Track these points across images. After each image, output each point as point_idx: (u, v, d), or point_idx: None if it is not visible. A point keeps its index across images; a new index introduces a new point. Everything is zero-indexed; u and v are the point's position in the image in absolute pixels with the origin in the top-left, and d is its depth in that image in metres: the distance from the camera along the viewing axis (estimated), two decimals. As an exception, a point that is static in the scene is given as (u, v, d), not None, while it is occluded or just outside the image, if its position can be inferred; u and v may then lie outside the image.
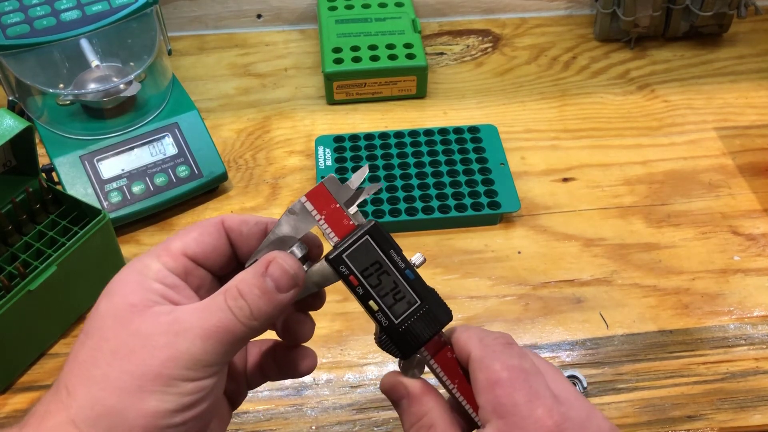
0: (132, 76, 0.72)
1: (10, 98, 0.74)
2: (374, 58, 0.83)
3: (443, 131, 0.78)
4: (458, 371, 0.39)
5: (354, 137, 0.77)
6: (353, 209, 0.39)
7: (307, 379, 0.59)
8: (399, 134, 0.78)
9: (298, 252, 0.38)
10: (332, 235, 0.39)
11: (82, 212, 0.64)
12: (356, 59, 0.83)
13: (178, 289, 0.36)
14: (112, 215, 0.68)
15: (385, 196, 0.71)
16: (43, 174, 0.66)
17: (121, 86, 0.71)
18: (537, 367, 0.38)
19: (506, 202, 0.70)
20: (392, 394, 0.40)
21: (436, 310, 0.39)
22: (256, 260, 0.37)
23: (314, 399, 0.58)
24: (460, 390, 0.39)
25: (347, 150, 0.76)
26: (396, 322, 0.39)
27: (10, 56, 0.69)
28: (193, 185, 0.72)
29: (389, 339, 0.39)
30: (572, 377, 0.58)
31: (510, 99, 0.85)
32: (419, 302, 0.39)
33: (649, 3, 0.87)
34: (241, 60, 0.91)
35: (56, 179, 0.69)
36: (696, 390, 0.58)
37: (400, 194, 0.71)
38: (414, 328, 0.39)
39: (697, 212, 0.72)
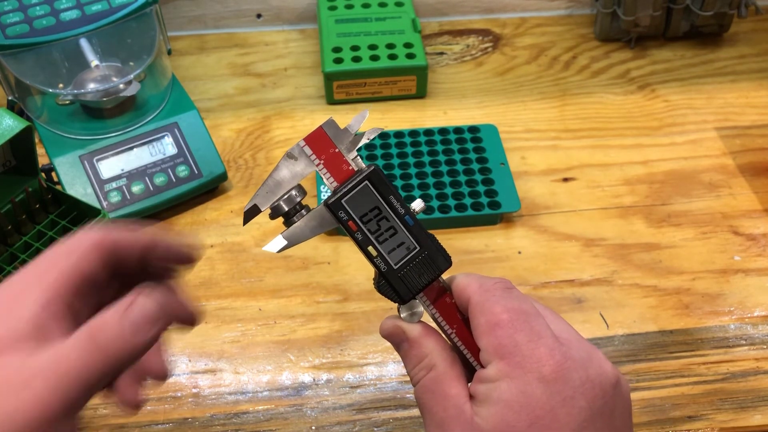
0: (131, 76, 0.72)
1: (10, 98, 0.74)
2: (374, 58, 0.83)
3: (443, 131, 0.78)
4: (457, 317, 0.39)
5: (354, 137, 0.77)
6: (353, 154, 0.39)
7: (307, 379, 0.59)
8: (399, 134, 0.78)
9: (296, 196, 0.38)
10: (331, 179, 0.39)
11: (81, 212, 0.64)
12: (356, 59, 0.83)
13: (55, 321, 0.32)
14: (112, 215, 0.68)
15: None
16: (43, 174, 0.66)
17: (121, 86, 0.71)
18: (537, 309, 0.38)
19: (506, 202, 0.70)
20: (392, 338, 0.40)
21: (434, 255, 0.39)
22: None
23: (314, 399, 0.58)
24: (459, 335, 0.39)
25: (347, 150, 0.76)
26: (395, 267, 0.39)
27: (9, 56, 0.69)
28: (192, 185, 0.72)
29: (388, 284, 0.39)
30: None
31: (510, 99, 0.85)
32: (418, 248, 0.39)
33: (649, 3, 0.87)
34: (240, 60, 0.91)
35: (56, 179, 0.69)
36: (696, 390, 0.58)
37: (400, 194, 0.71)
38: (413, 273, 0.39)
39: (697, 212, 0.72)
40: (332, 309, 0.64)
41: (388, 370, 0.60)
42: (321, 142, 0.39)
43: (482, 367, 0.37)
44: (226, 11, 0.94)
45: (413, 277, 0.39)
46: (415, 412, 0.57)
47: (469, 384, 0.38)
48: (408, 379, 0.59)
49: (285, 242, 0.38)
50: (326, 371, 0.60)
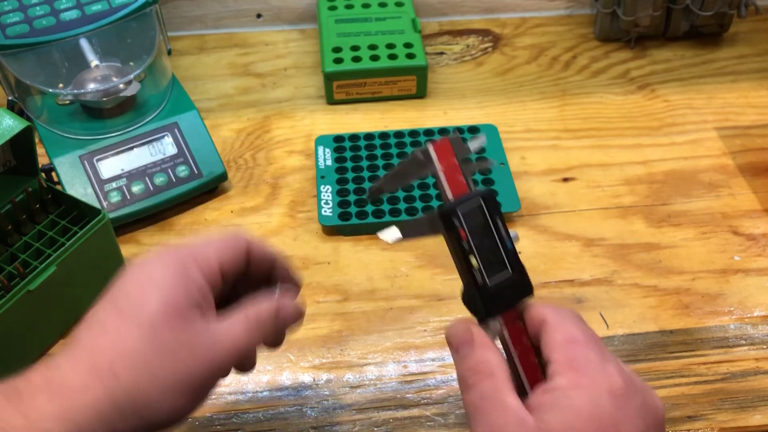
0: (131, 76, 0.72)
1: (10, 98, 0.74)
2: (374, 58, 0.83)
3: (443, 131, 0.78)
4: (522, 341, 0.42)
5: (354, 137, 0.77)
6: (468, 169, 0.43)
7: (307, 379, 0.59)
8: (399, 134, 0.78)
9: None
10: (447, 187, 0.42)
11: (81, 212, 0.64)
12: (356, 59, 0.83)
13: (207, 299, 0.40)
14: (112, 215, 0.68)
15: (385, 196, 0.71)
16: (43, 174, 0.66)
17: (121, 86, 0.71)
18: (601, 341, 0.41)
19: (506, 201, 0.70)
20: (457, 338, 0.42)
21: (523, 282, 0.42)
22: None
23: (314, 399, 0.58)
24: (521, 357, 0.41)
25: (347, 150, 0.76)
26: (489, 283, 0.41)
27: (9, 56, 0.69)
28: (192, 185, 0.72)
29: (480, 298, 0.41)
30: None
31: (510, 99, 0.85)
32: (512, 272, 0.41)
33: (649, 3, 0.87)
34: (240, 60, 0.91)
35: (56, 179, 0.69)
36: (696, 390, 0.58)
37: (400, 194, 0.71)
38: (503, 293, 0.41)
39: (697, 212, 0.72)
40: (332, 309, 0.64)
41: (387, 370, 0.60)
42: (445, 151, 0.42)
43: (549, 377, 0.39)
44: (226, 11, 0.94)
45: (502, 297, 0.41)
46: (415, 411, 0.57)
47: (528, 396, 0.40)
48: (408, 379, 0.59)
49: (400, 235, 0.42)
50: (326, 371, 0.60)
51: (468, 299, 0.42)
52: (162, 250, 0.41)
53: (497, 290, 0.41)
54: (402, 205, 0.70)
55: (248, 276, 0.44)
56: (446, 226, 0.41)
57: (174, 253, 0.41)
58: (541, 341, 0.41)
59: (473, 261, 0.41)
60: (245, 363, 0.43)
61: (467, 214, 0.41)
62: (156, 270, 0.40)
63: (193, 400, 0.38)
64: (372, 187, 0.44)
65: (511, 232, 0.42)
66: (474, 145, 0.43)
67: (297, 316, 0.44)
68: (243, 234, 0.44)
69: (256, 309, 0.42)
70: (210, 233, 0.44)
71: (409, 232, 0.42)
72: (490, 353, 0.41)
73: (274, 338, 0.44)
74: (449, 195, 0.42)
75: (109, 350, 0.37)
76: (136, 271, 0.40)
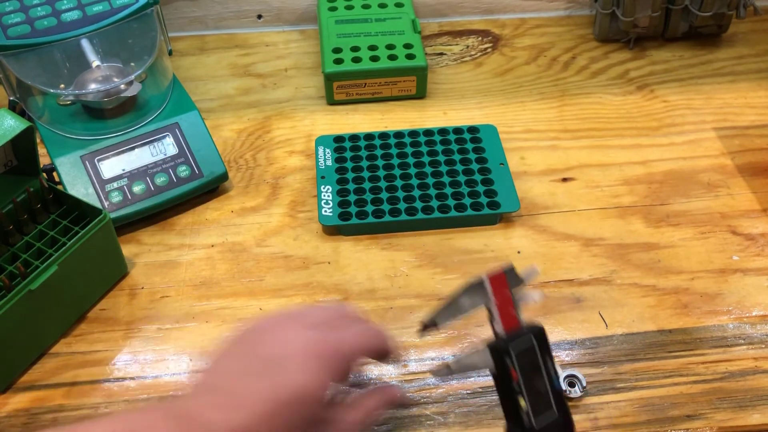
0: (132, 77, 0.72)
1: (11, 98, 0.74)
2: (374, 59, 0.83)
3: (443, 131, 0.78)
4: None
5: (354, 137, 0.77)
6: (519, 304, 0.43)
7: (307, 378, 0.60)
8: (399, 134, 0.78)
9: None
10: (498, 319, 0.42)
11: (82, 212, 0.64)
12: (356, 59, 0.83)
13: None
14: (113, 215, 0.68)
15: (385, 196, 0.71)
16: (44, 174, 0.66)
17: (122, 86, 0.71)
18: None
19: (506, 202, 0.71)
20: None
21: (567, 425, 0.41)
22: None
23: (314, 398, 0.58)
24: None
25: (347, 150, 0.76)
26: (536, 426, 0.40)
27: (10, 56, 0.69)
28: (193, 185, 0.72)
29: None
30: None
31: (509, 99, 0.85)
32: (557, 414, 0.40)
33: (648, 3, 0.87)
34: (241, 60, 0.91)
35: (57, 179, 0.70)
36: (695, 389, 0.59)
37: (400, 194, 0.72)
38: None
39: (696, 212, 0.72)
40: (332, 308, 0.65)
41: (388, 369, 0.60)
42: (500, 283, 0.43)
43: None
44: (226, 12, 0.95)
45: None
46: (415, 411, 0.57)
47: None
48: (408, 379, 0.59)
49: (448, 372, 0.43)
50: (326, 370, 0.60)
51: None
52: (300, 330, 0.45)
53: None
54: (402, 205, 0.71)
55: None
56: (498, 363, 0.40)
57: (324, 356, 0.43)
58: None
59: (522, 402, 0.40)
60: None
61: (519, 354, 0.40)
62: (309, 371, 0.43)
63: None
64: (425, 320, 0.44)
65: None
66: (528, 277, 0.43)
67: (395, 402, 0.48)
68: (385, 335, 0.46)
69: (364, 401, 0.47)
70: (355, 322, 0.49)
71: (461, 368, 0.42)
72: None
73: None
74: (501, 330, 0.41)
75: (248, 408, 0.41)
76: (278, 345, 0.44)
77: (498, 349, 0.40)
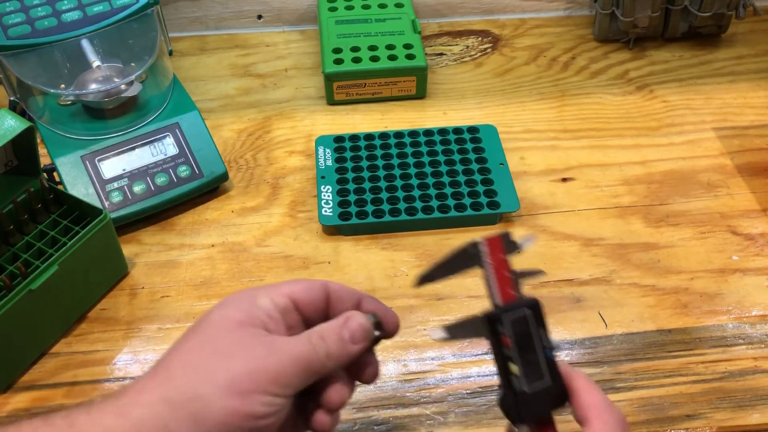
0: (133, 77, 0.72)
1: (12, 98, 0.74)
2: (374, 59, 0.83)
3: (443, 131, 0.78)
4: None
5: (354, 137, 0.78)
6: (516, 269, 0.43)
7: (307, 378, 0.60)
8: (399, 134, 0.78)
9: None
10: (496, 287, 0.42)
11: (83, 212, 0.64)
12: (356, 60, 0.83)
13: (275, 322, 0.42)
14: (113, 215, 0.68)
15: (385, 196, 0.72)
16: (45, 174, 0.66)
17: (122, 86, 0.72)
18: None
19: (505, 201, 0.71)
20: None
21: (560, 393, 0.42)
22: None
23: (314, 398, 0.58)
24: None
25: (347, 150, 0.76)
26: (528, 392, 0.41)
27: (11, 57, 0.69)
28: (193, 185, 0.72)
29: (515, 404, 0.41)
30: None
31: (509, 99, 0.86)
32: (551, 383, 0.41)
33: (647, 3, 0.87)
34: (241, 60, 0.91)
35: (57, 179, 0.70)
36: (694, 389, 0.59)
37: (400, 194, 0.72)
38: (539, 402, 0.41)
39: (695, 212, 0.72)
40: (332, 308, 0.65)
41: (387, 369, 0.60)
42: (497, 248, 0.43)
43: None
44: (226, 12, 0.95)
45: (538, 405, 0.41)
46: (415, 410, 0.58)
47: None
48: (408, 378, 0.60)
49: (447, 335, 0.43)
50: (326, 370, 0.60)
51: (505, 403, 0.42)
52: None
53: (535, 399, 0.41)
54: (402, 205, 0.71)
55: (332, 315, 0.45)
56: (491, 330, 0.41)
57: (250, 288, 0.44)
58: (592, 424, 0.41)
59: (513, 368, 0.41)
60: (323, 371, 0.42)
61: (513, 322, 0.41)
62: (228, 298, 0.43)
63: (245, 403, 0.38)
64: (421, 274, 0.44)
65: (553, 340, 0.42)
66: (525, 244, 0.44)
67: (365, 327, 0.43)
68: (319, 280, 0.45)
69: (321, 325, 0.43)
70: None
71: (456, 335, 0.43)
72: None
73: (343, 356, 0.42)
74: (497, 298, 0.42)
75: (167, 354, 0.41)
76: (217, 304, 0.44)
77: (492, 317, 0.41)
